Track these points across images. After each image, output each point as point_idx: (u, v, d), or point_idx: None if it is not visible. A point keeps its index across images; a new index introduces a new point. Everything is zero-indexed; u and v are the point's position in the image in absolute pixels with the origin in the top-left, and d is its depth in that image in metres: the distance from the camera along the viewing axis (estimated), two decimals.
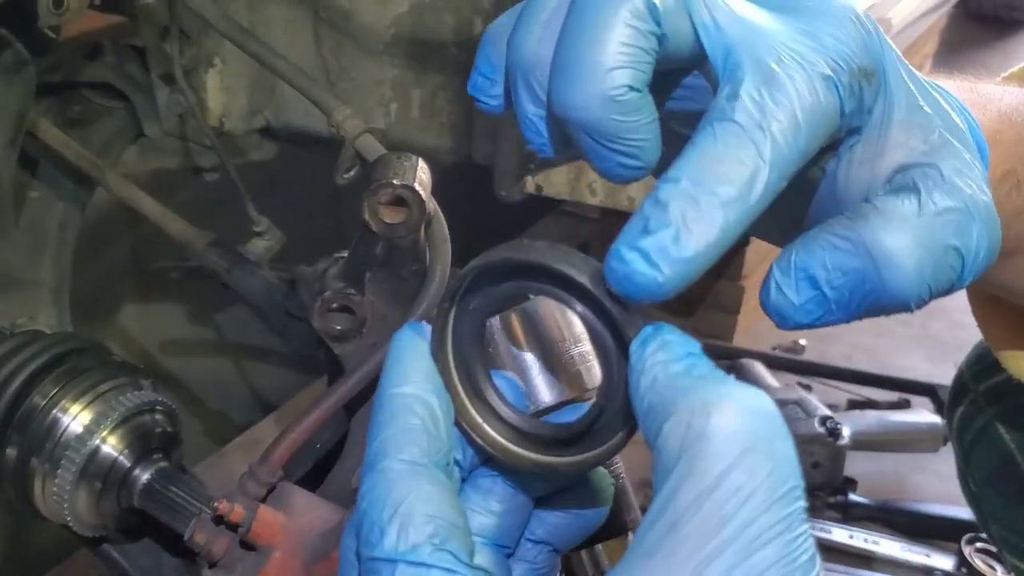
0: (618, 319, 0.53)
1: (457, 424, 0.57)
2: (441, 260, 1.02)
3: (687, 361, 0.51)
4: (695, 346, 0.52)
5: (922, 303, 0.56)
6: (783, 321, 0.56)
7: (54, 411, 1.10)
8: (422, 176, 0.99)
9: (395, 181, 0.96)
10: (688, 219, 0.50)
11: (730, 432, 0.47)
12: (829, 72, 0.53)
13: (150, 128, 1.61)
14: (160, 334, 2.46)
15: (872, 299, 0.55)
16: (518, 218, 2.46)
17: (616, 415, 0.55)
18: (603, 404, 0.55)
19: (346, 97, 1.65)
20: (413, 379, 0.56)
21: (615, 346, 0.54)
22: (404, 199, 0.96)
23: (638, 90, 0.52)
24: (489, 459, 0.58)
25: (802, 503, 0.48)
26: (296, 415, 1.01)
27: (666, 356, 0.51)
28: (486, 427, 0.57)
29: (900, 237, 0.55)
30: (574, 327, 0.76)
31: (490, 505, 0.59)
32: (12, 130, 1.27)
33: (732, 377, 0.50)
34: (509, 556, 0.61)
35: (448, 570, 0.51)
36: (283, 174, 2.05)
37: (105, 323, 2.36)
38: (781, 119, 0.52)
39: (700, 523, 0.47)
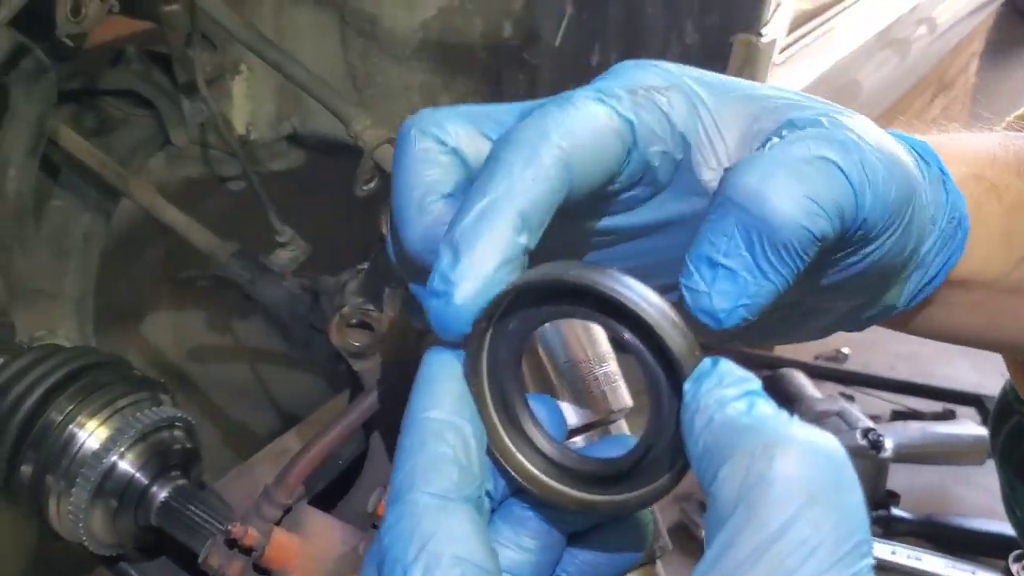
0: (674, 351, 0.48)
1: (489, 453, 0.53)
2: None
3: (747, 400, 0.46)
4: (755, 383, 0.47)
5: (831, 232, 0.52)
6: (713, 318, 0.52)
7: (70, 427, 1.08)
8: None
9: None
10: None
11: (793, 479, 0.43)
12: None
13: (176, 136, 1.59)
14: (187, 342, 2.45)
15: (772, 246, 0.51)
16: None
17: (664, 453, 0.50)
18: (651, 441, 0.51)
19: (374, 103, 1.63)
20: (444, 403, 0.52)
21: (666, 380, 0.49)
22: None
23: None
24: (522, 491, 0.54)
25: (870, 560, 0.44)
26: (321, 428, 0.98)
27: (724, 394, 0.47)
28: (521, 458, 0.53)
29: (752, 170, 0.51)
30: (599, 346, 0.72)
31: (522, 540, 0.54)
32: (32, 139, 1.26)
33: (796, 418, 0.46)
34: None
35: None
36: (312, 181, 2.04)
37: (133, 331, 2.35)
38: None
39: None
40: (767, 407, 0.46)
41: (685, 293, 0.52)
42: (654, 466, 0.51)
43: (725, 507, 0.44)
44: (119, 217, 1.66)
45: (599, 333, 0.71)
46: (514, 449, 0.53)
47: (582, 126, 0.52)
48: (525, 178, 0.50)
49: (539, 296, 0.51)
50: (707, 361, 0.48)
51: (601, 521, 0.56)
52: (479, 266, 0.49)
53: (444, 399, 0.52)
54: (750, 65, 1.43)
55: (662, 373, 0.49)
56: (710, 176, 0.56)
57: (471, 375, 0.52)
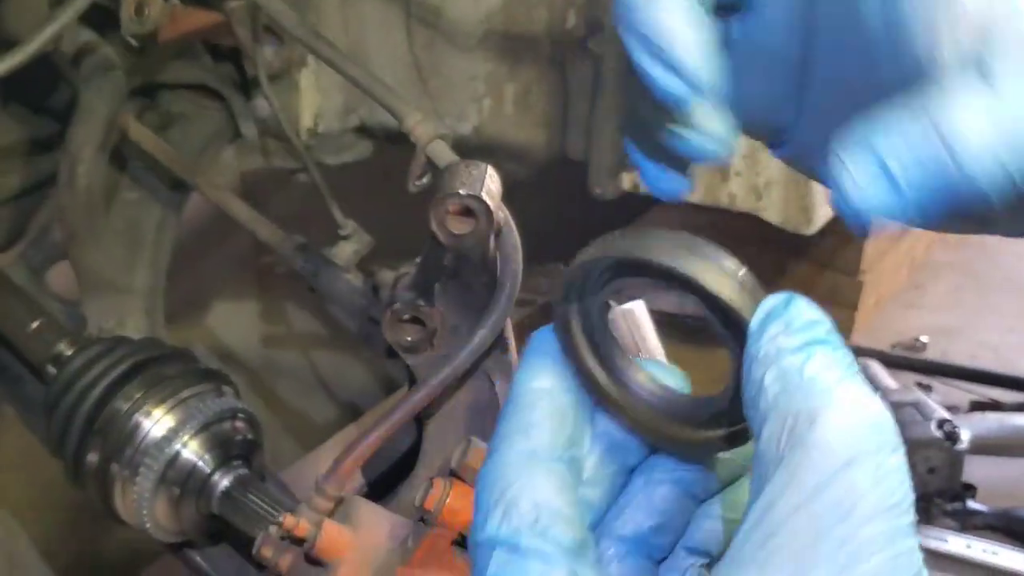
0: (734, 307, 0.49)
1: (600, 404, 0.57)
2: (512, 270, 0.99)
3: (805, 352, 0.47)
4: (822, 327, 0.48)
5: (1006, 196, 0.48)
6: (857, 215, 0.49)
7: (136, 416, 1.11)
8: (491, 185, 0.95)
9: (461, 191, 0.93)
10: None
11: (833, 443, 0.44)
12: None
13: (247, 129, 1.61)
14: (255, 333, 2.49)
15: (949, 194, 0.48)
16: (614, 216, 2.42)
17: None
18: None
19: (439, 93, 1.63)
20: (543, 375, 0.56)
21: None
22: (471, 209, 0.93)
23: None
24: (645, 434, 0.58)
25: (909, 517, 0.44)
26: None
27: (783, 344, 0.47)
28: (636, 406, 0.57)
29: (974, 118, 0.48)
30: (648, 341, 0.74)
31: (651, 502, 0.58)
32: (102, 134, 1.29)
33: (848, 372, 0.46)
34: (660, 562, 0.59)
35: (545, 558, 0.50)
36: (381, 172, 2.05)
37: (202, 320, 2.40)
38: None
39: (795, 536, 0.44)
40: (823, 360, 0.46)
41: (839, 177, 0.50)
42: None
43: (767, 467, 0.46)
44: (195, 208, 1.69)
45: (648, 328, 0.73)
46: (626, 400, 0.57)
47: None
48: None
49: (623, 268, 0.54)
50: (778, 301, 0.49)
51: (732, 479, 0.59)
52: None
53: (543, 371, 0.56)
54: None
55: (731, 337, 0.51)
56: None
57: (567, 346, 0.56)
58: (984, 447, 2.16)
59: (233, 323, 2.46)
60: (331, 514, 0.96)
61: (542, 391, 0.55)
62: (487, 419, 1.02)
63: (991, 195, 0.48)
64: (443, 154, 1.10)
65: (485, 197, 0.93)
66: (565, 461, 0.54)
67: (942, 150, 0.48)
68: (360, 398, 2.42)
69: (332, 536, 0.92)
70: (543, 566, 0.49)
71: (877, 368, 2.32)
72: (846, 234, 0.53)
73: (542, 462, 0.53)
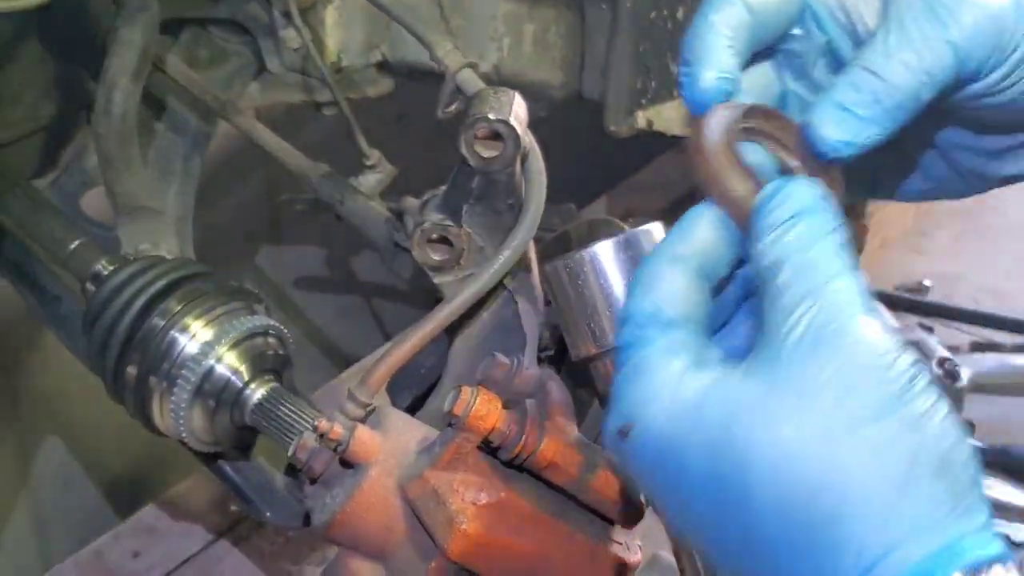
0: None
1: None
2: (536, 194, 1.04)
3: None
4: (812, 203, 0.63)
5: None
6: (827, 145, 0.67)
7: (172, 332, 1.16)
8: (518, 111, 1.00)
9: (491, 115, 0.98)
10: None
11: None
12: None
13: (272, 63, 1.65)
14: (289, 268, 2.53)
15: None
16: (629, 153, 2.46)
17: None
18: None
19: (459, 32, 1.67)
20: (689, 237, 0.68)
21: None
22: (500, 134, 0.98)
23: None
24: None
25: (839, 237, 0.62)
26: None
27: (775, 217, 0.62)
28: None
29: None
30: None
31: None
32: (136, 64, 1.32)
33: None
34: None
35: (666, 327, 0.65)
36: (401, 107, 2.09)
37: (232, 255, 2.44)
38: None
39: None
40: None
41: (814, 120, 0.67)
42: None
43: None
44: (220, 146, 1.73)
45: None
46: None
47: None
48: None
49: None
50: (778, 184, 0.64)
51: None
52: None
53: (691, 235, 0.68)
54: None
55: None
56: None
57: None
58: (983, 386, 2.21)
59: (248, 263, 2.50)
60: (363, 420, 1.01)
61: (703, 218, 0.67)
62: (510, 336, 1.08)
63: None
64: (472, 82, 1.15)
65: (513, 122, 0.98)
66: (703, 274, 0.67)
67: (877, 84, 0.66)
68: (389, 328, 2.46)
69: (364, 440, 0.97)
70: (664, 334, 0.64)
71: (880, 308, 2.36)
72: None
73: (683, 264, 0.66)
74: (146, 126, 1.51)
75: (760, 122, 0.71)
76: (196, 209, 1.52)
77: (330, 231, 2.25)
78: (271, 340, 1.19)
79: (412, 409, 1.23)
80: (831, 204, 0.63)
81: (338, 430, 0.97)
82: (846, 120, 0.65)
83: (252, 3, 1.63)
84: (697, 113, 0.70)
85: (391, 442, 0.98)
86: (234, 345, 1.16)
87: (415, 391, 1.25)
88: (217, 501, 1.79)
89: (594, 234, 1.20)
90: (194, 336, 1.16)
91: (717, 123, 0.69)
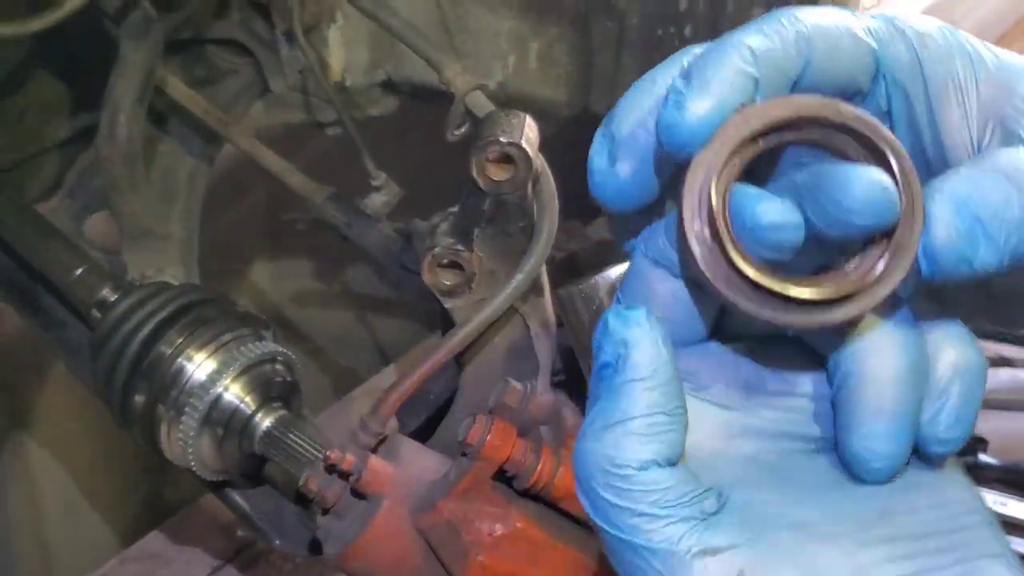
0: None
1: None
2: (548, 217, 1.02)
3: None
4: None
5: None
6: (955, 267, 0.51)
7: (179, 360, 1.15)
8: (529, 133, 0.99)
9: (502, 139, 0.96)
10: None
11: None
12: None
13: (275, 84, 1.63)
14: (288, 285, 2.51)
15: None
16: None
17: None
18: None
19: (464, 49, 1.65)
20: None
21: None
22: (511, 156, 0.97)
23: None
24: None
25: None
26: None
27: None
28: None
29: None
30: None
31: None
32: (140, 86, 1.31)
33: None
34: None
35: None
36: (405, 127, 2.07)
37: (235, 274, 2.43)
38: None
39: None
40: None
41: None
42: None
43: None
44: (222, 163, 1.72)
45: None
46: None
47: (828, 16, 0.55)
48: (760, 28, 0.54)
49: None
50: None
51: None
52: (711, 87, 0.53)
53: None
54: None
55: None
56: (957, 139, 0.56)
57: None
58: (996, 402, 2.19)
59: (254, 279, 2.49)
60: (375, 450, 1.00)
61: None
62: (523, 361, 1.06)
63: None
64: (482, 104, 1.13)
65: (525, 145, 0.96)
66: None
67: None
68: (392, 348, 2.45)
69: (377, 470, 0.96)
70: None
71: None
72: None
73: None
74: (150, 147, 1.50)
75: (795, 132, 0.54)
76: (204, 220, 1.51)
77: (332, 248, 2.24)
78: (279, 367, 1.18)
79: (421, 433, 1.21)
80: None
81: (351, 460, 0.95)
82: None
83: (255, 23, 1.62)
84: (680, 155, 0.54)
85: (404, 472, 0.97)
86: (242, 372, 1.15)
87: (424, 415, 1.23)
88: (224, 526, 1.78)
89: (604, 256, 1.19)
90: (201, 364, 1.15)
91: (706, 172, 0.53)
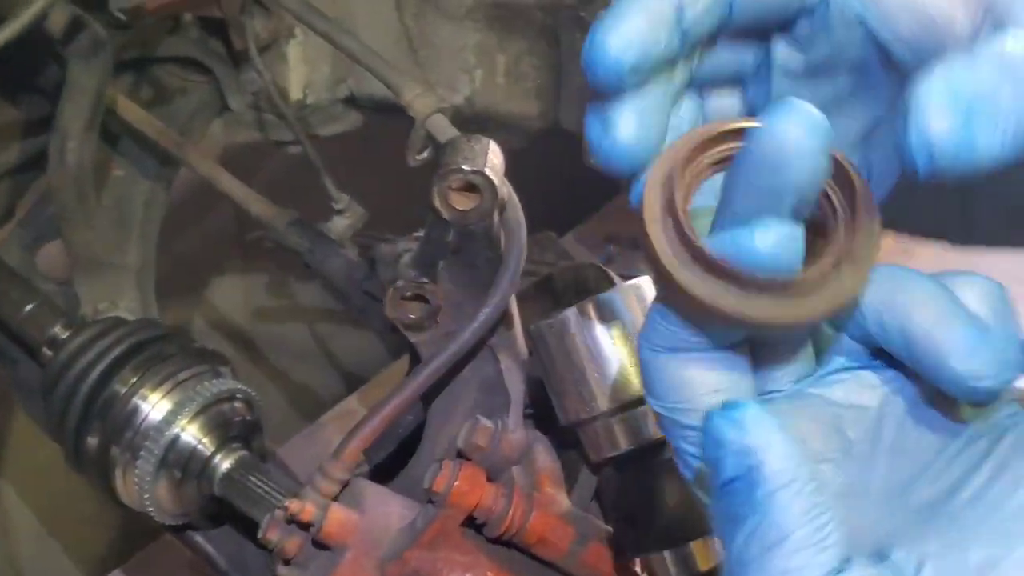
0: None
1: None
2: (516, 246, 0.98)
3: None
4: None
5: None
6: (954, 159, 0.48)
7: (134, 399, 1.10)
8: (494, 160, 0.94)
9: (465, 166, 0.92)
10: None
11: None
12: None
13: (234, 102, 1.59)
14: (253, 306, 2.47)
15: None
16: (607, 186, 2.41)
17: None
18: None
19: (430, 64, 1.61)
20: None
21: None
22: (475, 185, 0.92)
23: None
24: None
25: None
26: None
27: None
28: None
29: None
30: None
31: None
32: (90, 111, 1.26)
33: None
34: None
35: None
36: (377, 142, 2.02)
37: (199, 295, 2.38)
38: None
39: None
40: None
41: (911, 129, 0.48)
42: None
43: None
44: (184, 182, 1.67)
45: None
46: None
47: None
48: None
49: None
50: None
51: None
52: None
53: None
54: None
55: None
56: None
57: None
58: None
59: (222, 298, 2.44)
60: (337, 497, 0.95)
61: None
62: (493, 397, 1.01)
63: None
64: (443, 128, 1.09)
65: (489, 173, 0.92)
66: None
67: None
68: (360, 367, 2.40)
69: (339, 520, 0.91)
70: None
71: None
72: None
73: None
74: (103, 172, 1.45)
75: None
76: (164, 241, 1.47)
77: (296, 270, 2.20)
78: (238, 405, 1.13)
79: (388, 468, 1.17)
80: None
81: (310, 510, 0.91)
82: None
83: (212, 39, 1.57)
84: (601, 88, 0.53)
85: (368, 520, 0.92)
86: (199, 412, 1.10)
87: (391, 447, 1.19)
88: (191, 560, 1.72)
89: (580, 279, 1.15)
90: (157, 404, 1.10)
91: (665, 164, 0.52)
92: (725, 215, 0.50)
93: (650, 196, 0.51)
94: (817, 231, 0.52)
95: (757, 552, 0.47)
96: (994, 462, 0.50)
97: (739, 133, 0.50)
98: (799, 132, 0.47)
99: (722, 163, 0.52)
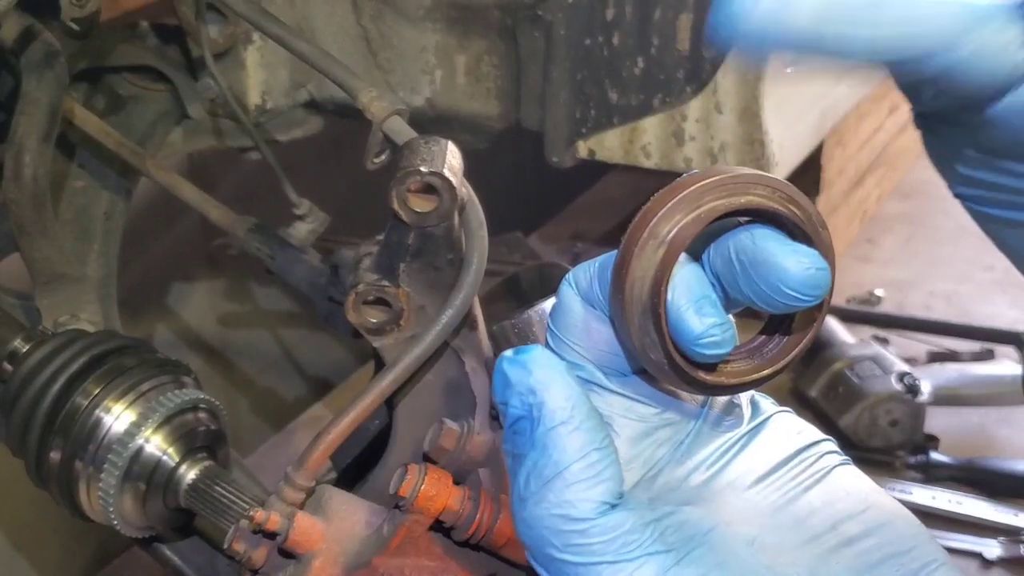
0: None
1: None
2: (478, 247, 0.97)
3: None
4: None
5: None
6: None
7: (96, 412, 1.09)
8: (452, 161, 0.94)
9: (422, 168, 0.91)
10: None
11: None
12: None
13: (194, 109, 1.58)
14: (227, 308, 2.46)
15: None
16: (571, 183, 2.41)
17: None
18: None
19: (390, 66, 1.61)
20: None
21: None
22: (433, 187, 0.91)
23: None
24: None
25: None
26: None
27: None
28: None
29: None
30: None
31: None
32: (46, 123, 1.24)
33: None
34: None
35: None
36: (340, 144, 2.01)
37: (164, 303, 2.36)
38: None
39: None
40: None
41: None
42: None
43: None
44: (149, 190, 1.65)
45: None
46: None
47: None
48: None
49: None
50: None
51: None
52: None
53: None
54: None
55: None
56: None
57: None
58: (945, 398, 2.18)
59: (189, 305, 2.42)
60: (302, 505, 0.94)
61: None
62: (458, 399, 1.01)
63: None
64: (401, 130, 1.08)
65: (447, 174, 0.91)
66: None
67: None
68: (328, 371, 2.40)
69: (305, 528, 0.90)
70: None
71: (834, 324, 2.32)
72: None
73: None
74: (62, 184, 1.44)
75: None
76: (130, 250, 1.45)
77: (261, 276, 2.19)
78: (202, 415, 1.12)
79: (354, 472, 1.16)
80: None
81: (275, 519, 0.90)
82: None
83: (169, 46, 1.56)
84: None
85: (335, 527, 0.91)
86: (163, 423, 1.08)
87: (357, 450, 1.18)
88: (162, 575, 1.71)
89: (545, 279, 1.15)
90: (120, 415, 1.08)
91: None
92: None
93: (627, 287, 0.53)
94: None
95: (536, 487, 0.51)
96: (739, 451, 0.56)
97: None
98: None
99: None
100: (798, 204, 0.52)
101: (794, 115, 1.60)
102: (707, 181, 0.53)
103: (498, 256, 2.23)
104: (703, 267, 0.54)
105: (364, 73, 1.57)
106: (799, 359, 0.56)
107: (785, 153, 1.53)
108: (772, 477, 0.55)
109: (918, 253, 2.82)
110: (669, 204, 0.53)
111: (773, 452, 0.56)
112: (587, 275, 0.56)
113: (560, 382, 0.52)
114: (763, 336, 0.56)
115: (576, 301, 0.56)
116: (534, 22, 1.50)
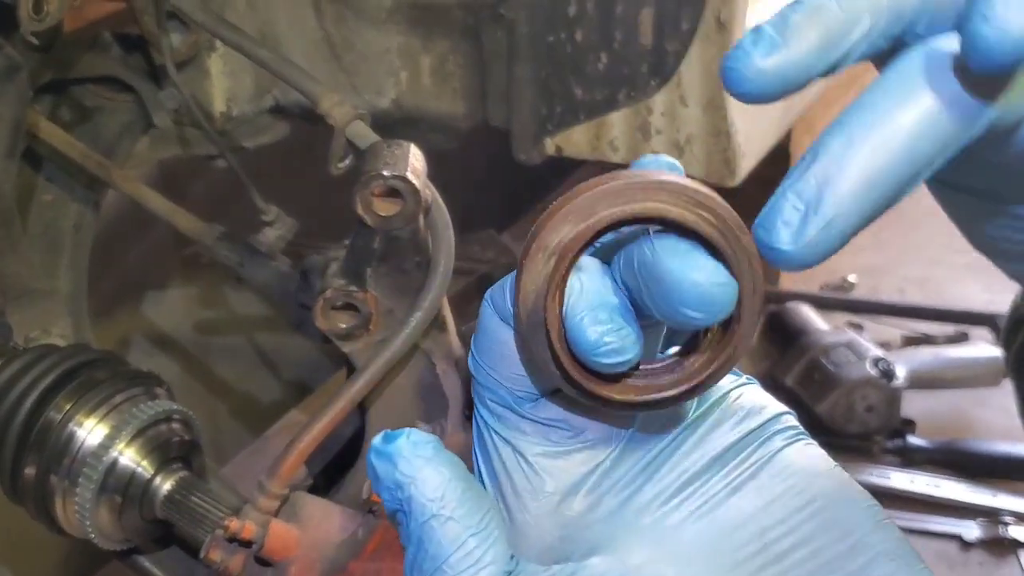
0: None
1: None
2: (444, 249, 0.97)
3: None
4: None
5: None
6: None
7: (69, 426, 1.09)
8: (415, 163, 0.94)
9: (385, 172, 0.91)
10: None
11: None
12: None
13: (159, 118, 1.57)
14: (203, 314, 2.45)
15: None
16: (540, 180, 2.41)
17: None
18: None
19: (354, 69, 1.61)
20: None
21: None
22: (397, 190, 0.92)
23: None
24: None
25: None
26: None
27: None
28: None
29: None
30: None
31: None
32: (9, 139, 1.24)
33: None
34: None
35: None
36: (308, 149, 2.01)
37: (140, 309, 2.36)
38: None
39: None
40: None
41: None
42: None
43: None
44: (119, 200, 1.64)
45: None
46: None
47: None
48: None
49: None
50: None
51: None
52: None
53: None
54: (727, 4, 1.40)
55: None
56: None
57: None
58: (920, 382, 2.19)
59: (165, 312, 2.42)
60: (277, 513, 0.94)
61: None
62: (430, 400, 1.01)
63: None
64: (363, 134, 1.08)
65: (410, 176, 0.92)
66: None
67: None
68: (306, 375, 2.39)
69: (280, 536, 0.91)
70: None
71: (808, 311, 2.34)
72: (768, 183, 0.52)
73: None
74: (30, 197, 1.43)
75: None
76: (104, 260, 1.44)
77: (235, 281, 2.18)
78: (176, 426, 1.11)
79: (328, 476, 1.16)
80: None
81: (250, 528, 0.90)
82: None
83: (133, 56, 1.55)
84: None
85: (310, 534, 0.92)
86: (136, 435, 1.08)
87: (331, 454, 1.18)
88: None
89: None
90: (93, 429, 1.08)
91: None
92: None
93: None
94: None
95: None
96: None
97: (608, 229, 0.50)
98: None
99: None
100: (708, 209, 0.48)
101: (760, 105, 1.61)
102: (601, 188, 0.49)
103: (471, 254, 2.24)
104: (614, 276, 0.51)
105: (329, 77, 1.57)
106: (724, 373, 0.51)
107: (752, 143, 1.53)
108: (701, 480, 0.52)
109: (890, 239, 2.83)
110: (558, 214, 0.50)
111: (709, 446, 0.53)
112: (503, 292, 0.53)
113: (427, 470, 0.50)
114: (686, 350, 0.52)
115: (493, 320, 0.53)
116: (497, 20, 1.51)
